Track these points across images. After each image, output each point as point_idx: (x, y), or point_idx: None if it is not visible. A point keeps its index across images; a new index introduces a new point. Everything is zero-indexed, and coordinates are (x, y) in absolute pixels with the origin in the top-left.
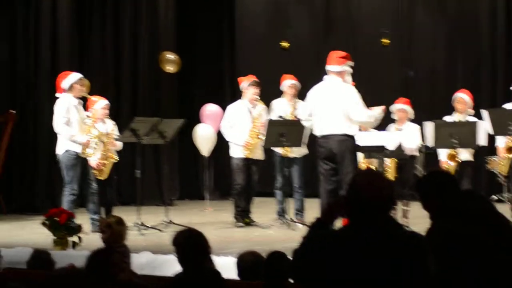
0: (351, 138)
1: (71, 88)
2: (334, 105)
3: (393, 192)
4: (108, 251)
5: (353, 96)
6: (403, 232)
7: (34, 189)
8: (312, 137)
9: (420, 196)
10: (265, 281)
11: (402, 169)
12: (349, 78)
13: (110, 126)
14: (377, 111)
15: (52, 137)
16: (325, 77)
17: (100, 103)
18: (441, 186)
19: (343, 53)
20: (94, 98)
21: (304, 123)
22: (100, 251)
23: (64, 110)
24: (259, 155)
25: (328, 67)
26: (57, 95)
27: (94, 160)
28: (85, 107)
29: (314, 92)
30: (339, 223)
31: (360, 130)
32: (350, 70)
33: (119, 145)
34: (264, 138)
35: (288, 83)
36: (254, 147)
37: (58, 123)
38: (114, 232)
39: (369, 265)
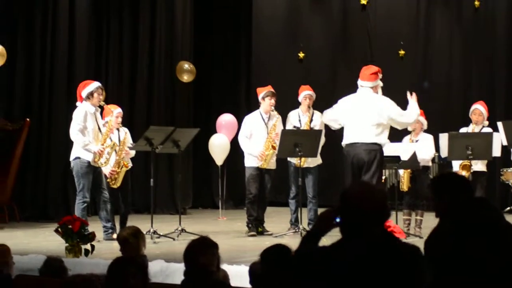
0: (380, 147)
1: (90, 96)
2: (366, 115)
3: (386, 204)
4: (126, 262)
5: (392, 104)
6: (397, 245)
7: (48, 197)
8: (329, 147)
9: (432, 194)
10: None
11: (415, 179)
12: (380, 91)
13: (123, 134)
14: (415, 105)
15: (67, 145)
16: (358, 89)
17: (114, 112)
18: (454, 187)
19: (375, 69)
20: (109, 106)
21: (328, 122)
22: (119, 261)
23: (81, 118)
24: (271, 164)
25: (361, 83)
26: (77, 103)
27: (107, 168)
28: (102, 116)
29: (347, 100)
30: None
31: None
32: (381, 84)
33: (132, 152)
34: (277, 148)
35: (304, 94)
36: (269, 158)
37: (73, 130)
38: (132, 246)
39: (361, 279)
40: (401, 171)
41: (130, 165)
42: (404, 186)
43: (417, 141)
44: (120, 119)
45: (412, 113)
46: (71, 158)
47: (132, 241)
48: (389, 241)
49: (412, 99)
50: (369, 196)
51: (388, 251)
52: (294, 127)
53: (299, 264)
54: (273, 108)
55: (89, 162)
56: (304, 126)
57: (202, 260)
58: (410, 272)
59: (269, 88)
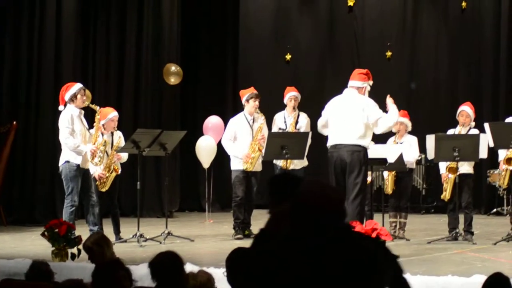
0: (363, 149)
1: (73, 98)
2: (350, 116)
3: (342, 204)
4: (113, 266)
5: (375, 106)
6: (353, 247)
7: (35, 201)
8: (316, 149)
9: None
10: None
11: (400, 181)
12: (367, 95)
13: (117, 138)
14: (395, 109)
15: (54, 149)
16: (344, 90)
17: (110, 114)
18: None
19: (365, 71)
20: (105, 109)
21: (321, 131)
22: (106, 266)
23: (68, 121)
24: (258, 166)
25: (350, 83)
26: (60, 108)
27: (97, 171)
28: (93, 119)
29: (332, 103)
30: None
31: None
32: (369, 88)
33: (124, 157)
34: (264, 150)
35: (289, 95)
36: (255, 161)
37: (63, 134)
38: (97, 254)
39: (313, 281)
40: (385, 174)
41: (120, 170)
42: (389, 188)
43: (401, 143)
44: (116, 123)
45: (392, 117)
46: (60, 162)
47: (96, 250)
48: (345, 243)
49: (391, 103)
50: (323, 196)
51: (340, 253)
52: (280, 129)
53: (251, 264)
54: (257, 109)
55: (78, 166)
56: (290, 128)
57: (169, 275)
58: (365, 276)
59: (252, 90)
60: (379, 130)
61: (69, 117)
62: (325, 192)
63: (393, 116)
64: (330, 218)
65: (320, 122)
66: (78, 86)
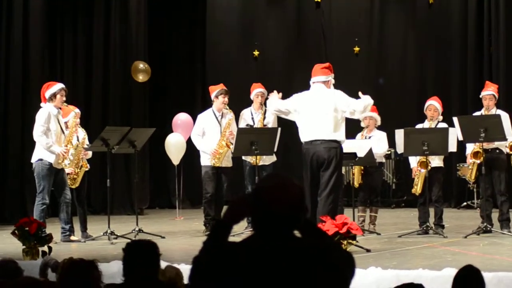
0: (339, 144)
1: (52, 98)
2: (323, 111)
3: (303, 200)
4: (88, 265)
5: (344, 95)
6: (314, 245)
7: (4, 199)
8: (285, 145)
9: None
10: None
11: (370, 176)
12: (332, 88)
13: (82, 135)
14: (367, 96)
15: (23, 147)
16: (312, 86)
17: (71, 113)
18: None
19: (326, 64)
20: (67, 107)
21: (273, 109)
22: (79, 264)
23: (44, 119)
24: (227, 162)
25: (314, 79)
26: (41, 104)
27: (69, 169)
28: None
29: (302, 97)
30: None
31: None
32: (333, 81)
33: (89, 153)
34: (233, 146)
35: (255, 91)
36: (222, 156)
37: (36, 131)
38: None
39: (273, 281)
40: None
41: (88, 166)
42: (355, 182)
43: (370, 137)
44: (78, 120)
45: (366, 99)
46: (33, 159)
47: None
48: (307, 242)
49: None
50: (283, 191)
51: (304, 252)
52: (247, 125)
53: (208, 260)
54: (226, 106)
55: (51, 164)
56: (258, 124)
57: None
58: (328, 276)
59: (222, 86)
60: (358, 111)
61: (46, 116)
62: (285, 186)
63: (366, 99)
64: (288, 215)
65: (280, 106)
66: (59, 86)
